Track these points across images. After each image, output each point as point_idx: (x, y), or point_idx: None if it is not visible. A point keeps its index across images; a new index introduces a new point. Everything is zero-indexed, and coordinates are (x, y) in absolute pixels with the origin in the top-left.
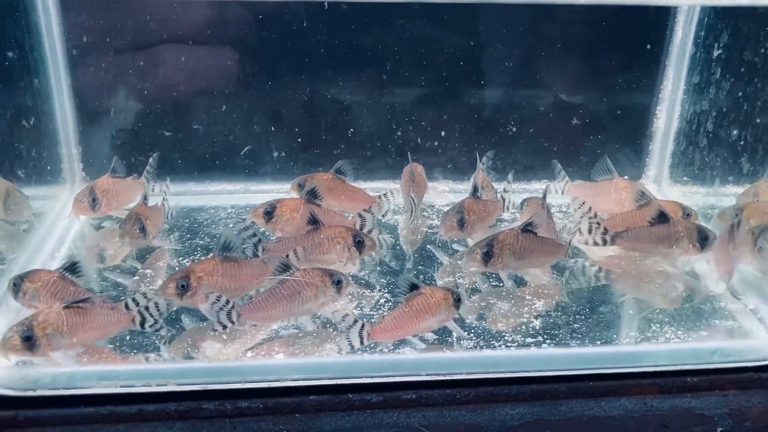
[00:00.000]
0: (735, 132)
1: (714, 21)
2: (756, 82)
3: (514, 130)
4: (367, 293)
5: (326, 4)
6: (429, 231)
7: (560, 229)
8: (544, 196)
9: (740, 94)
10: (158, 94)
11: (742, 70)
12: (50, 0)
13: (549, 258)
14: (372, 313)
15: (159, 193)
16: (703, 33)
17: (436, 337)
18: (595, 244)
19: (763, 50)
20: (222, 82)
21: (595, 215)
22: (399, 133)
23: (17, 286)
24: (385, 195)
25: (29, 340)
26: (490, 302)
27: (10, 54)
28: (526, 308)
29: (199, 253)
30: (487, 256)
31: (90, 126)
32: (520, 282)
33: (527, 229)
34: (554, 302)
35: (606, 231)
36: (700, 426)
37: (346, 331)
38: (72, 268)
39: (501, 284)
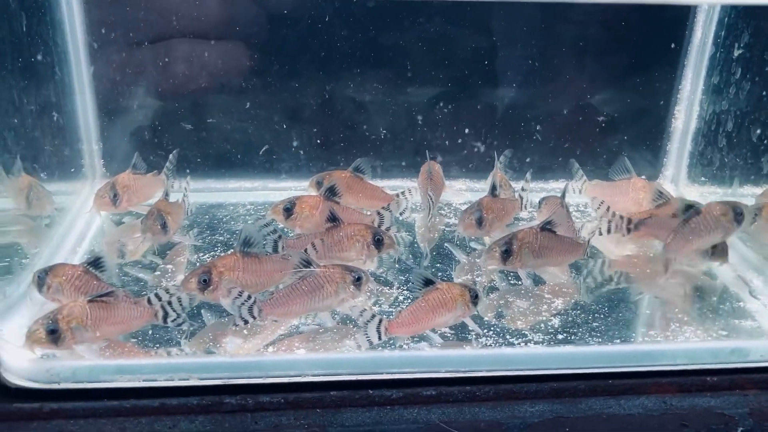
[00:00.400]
0: (755, 132)
1: (735, 21)
2: None
3: (532, 129)
4: (386, 290)
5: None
6: (446, 229)
7: (579, 228)
8: (563, 195)
9: (762, 93)
10: (178, 91)
11: (765, 69)
12: None
13: (567, 257)
14: (391, 310)
15: (179, 190)
16: (723, 33)
17: (453, 332)
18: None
19: None
20: (242, 79)
21: (614, 215)
22: (417, 132)
23: (41, 279)
24: (403, 193)
25: (54, 333)
26: (508, 300)
27: (36, 51)
28: (545, 306)
29: (219, 249)
30: (506, 255)
31: (111, 122)
32: (538, 281)
33: (546, 227)
34: (573, 301)
35: (630, 221)
36: (720, 425)
37: (365, 326)
38: (96, 262)
39: (519, 282)
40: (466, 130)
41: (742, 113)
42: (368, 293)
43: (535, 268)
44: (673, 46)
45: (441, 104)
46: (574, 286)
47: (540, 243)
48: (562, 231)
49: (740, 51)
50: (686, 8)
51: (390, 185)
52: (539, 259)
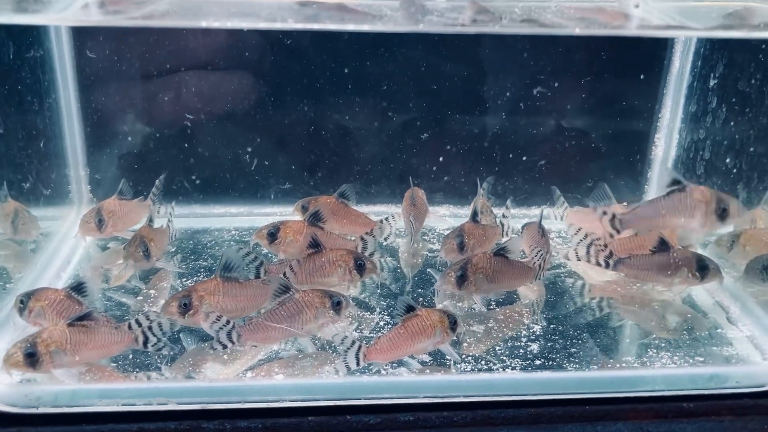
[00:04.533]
0: (730, 160)
1: (709, 52)
2: (750, 112)
3: (514, 156)
4: (367, 316)
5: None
6: (429, 254)
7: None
8: (540, 221)
9: (735, 123)
10: (165, 118)
11: (737, 99)
12: (62, 26)
13: (519, 281)
14: (372, 335)
15: (165, 215)
16: (699, 63)
17: (431, 359)
18: (598, 264)
19: (756, 80)
20: (227, 106)
21: (592, 242)
22: (402, 158)
23: (23, 303)
24: (386, 219)
25: (32, 357)
26: (486, 326)
27: (24, 78)
28: (524, 332)
29: (202, 274)
30: (462, 279)
31: (98, 149)
32: (512, 301)
33: (499, 252)
34: (552, 326)
35: (611, 254)
36: None
37: (344, 352)
38: (78, 287)
39: (497, 308)
40: (450, 157)
41: (718, 142)
42: (349, 319)
43: (489, 293)
44: (652, 75)
45: (426, 131)
46: (553, 312)
47: (493, 268)
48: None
49: (715, 81)
50: (665, 39)
51: (376, 211)
52: (493, 284)
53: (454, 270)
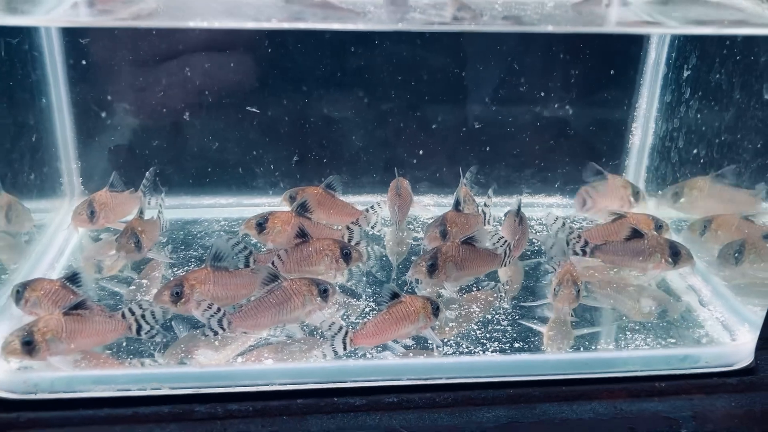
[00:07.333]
0: (703, 149)
1: (683, 43)
2: (721, 102)
3: (497, 146)
4: (354, 302)
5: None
6: (414, 243)
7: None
8: (519, 209)
9: (707, 112)
10: (155, 111)
11: (709, 90)
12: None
13: (485, 267)
14: (358, 321)
15: (155, 207)
16: (674, 54)
17: (414, 343)
18: (575, 254)
19: (726, 72)
20: (216, 98)
21: (571, 232)
22: (387, 150)
23: (19, 294)
24: (372, 207)
25: (29, 345)
26: (468, 310)
27: (15, 74)
28: (503, 315)
29: (193, 264)
30: (432, 268)
31: (89, 142)
32: (492, 286)
33: (466, 241)
34: (531, 311)
35: (586, 243)
36: (665, 428)
37: (331, 338)
38: (73, 278)
39: (478, 293)
40: (435, 148)
41: (691, 131)
42: (336, 305)
43: (458, 280)
44: (630, 66)
45: (411, 123)
46: (532, 297)
47: (462, 256)
48: (518, 244)
49: (689, 72)
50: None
51: (363, 200)
52: (462, 271)
53: (425, 260)
